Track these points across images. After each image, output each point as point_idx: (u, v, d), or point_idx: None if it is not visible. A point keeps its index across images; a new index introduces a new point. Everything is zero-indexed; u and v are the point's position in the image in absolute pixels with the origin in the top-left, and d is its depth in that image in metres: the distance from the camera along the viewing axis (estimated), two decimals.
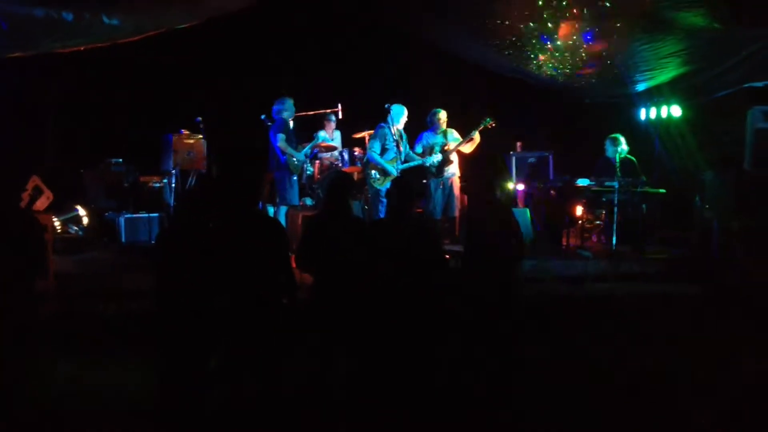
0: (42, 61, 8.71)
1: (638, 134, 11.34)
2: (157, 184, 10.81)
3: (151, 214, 10.16)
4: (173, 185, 10.20)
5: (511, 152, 11.68)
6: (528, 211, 9.82)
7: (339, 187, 5.38)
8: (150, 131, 10.68)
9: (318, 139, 10.04)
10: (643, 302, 8.18)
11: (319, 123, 10.58)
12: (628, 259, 9.50)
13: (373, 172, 9.46)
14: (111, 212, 10.36)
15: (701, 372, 5.87)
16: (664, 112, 11.33)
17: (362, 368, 5.07)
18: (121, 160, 10.87)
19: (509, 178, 11.16)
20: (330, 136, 10.63)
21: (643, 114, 11.79)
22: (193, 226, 4.86)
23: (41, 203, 9.25)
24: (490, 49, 10.35)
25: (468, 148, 9.74)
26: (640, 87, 11.16)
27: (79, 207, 10.04)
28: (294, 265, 5.16)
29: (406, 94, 9.96)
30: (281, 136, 9.29)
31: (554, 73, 10.64)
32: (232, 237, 4.76)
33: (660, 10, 8.30)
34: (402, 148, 9.40)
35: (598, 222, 10.83)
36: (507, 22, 9.19)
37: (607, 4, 8.43)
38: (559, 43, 9.58)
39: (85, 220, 10.03)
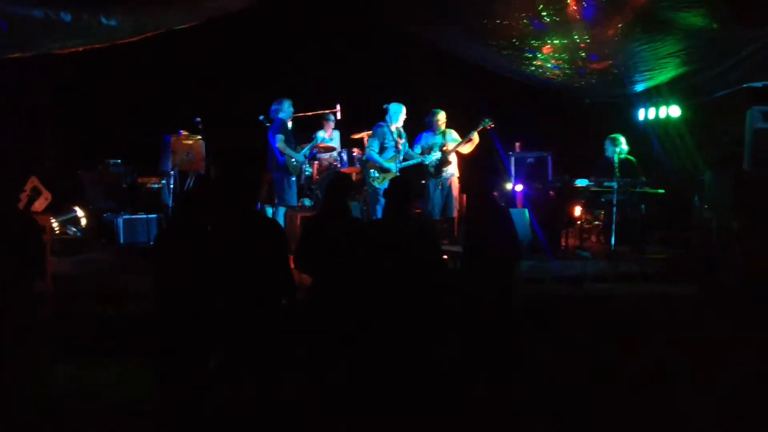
0: (41, 61, 8.69)
1: (637, 134, 11.33)
2: (156, 185, 10.81)
3: (150, 215, 10.16)
4: (172, 186, 10.20)
5: (510, 153, 11.67)
6: (527, 211, 9.81)
7: (338, 187, 5.38)
8: (148, 132, 10.68)
9: (317, 140, 10.04)
10: (642, 302, 8.18)
11: (318, 123, 10.57)
12: (627, 260, 9.51)
13: (372, 171, 9.46)
14: (109, 213, 10.35)
15: (701, 372, 5.88)
16: (663, 112, 11.32)
17: (362, 368, 5.06)
18: (119, 161, 10.87)
19: (508, 179, 11.26)
20: (329, 136, 10.62)
21: (642, 114, 11.78)
22: (191, 227, 4.85)
23: (39, 204, 9.24)
24: (488, 50, 10.34)
25: (467, 149, 9.75)
26: (639, 87, 11.15)
27: (77, 208, 10.03)
28: (292, 265, 5.15)
29: (405, 94, 9.95)
30: (280, 137, 9.29)
31: (552, 73, 10.65)
32: (231, 238, 4.76)
33: (659, 11, 8.29)
34: (401, 147, 9.40)
35: (597, 222, 10.82)
36: (506, 22, 9.18)
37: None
38: (557, 42, 9.57)
39: (84, 221, 10.02)
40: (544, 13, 8.80)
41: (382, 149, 9.41)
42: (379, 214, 8.99)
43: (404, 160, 9.47)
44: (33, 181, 9.25)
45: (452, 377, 5.26)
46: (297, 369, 5.12)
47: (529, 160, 11.60)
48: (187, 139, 10.43)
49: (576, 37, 9.36)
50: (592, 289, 8.64)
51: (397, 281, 5.03)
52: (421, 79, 11.42)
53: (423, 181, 9.96)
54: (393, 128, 9.34)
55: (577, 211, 10.44)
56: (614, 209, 9.49)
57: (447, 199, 9.78)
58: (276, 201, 9.60)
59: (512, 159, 11.62)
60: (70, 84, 10.65)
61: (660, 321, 7.42)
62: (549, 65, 10.38)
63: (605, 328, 7.04)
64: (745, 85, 10.37)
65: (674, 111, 11.20)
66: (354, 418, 4.82)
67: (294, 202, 9.65)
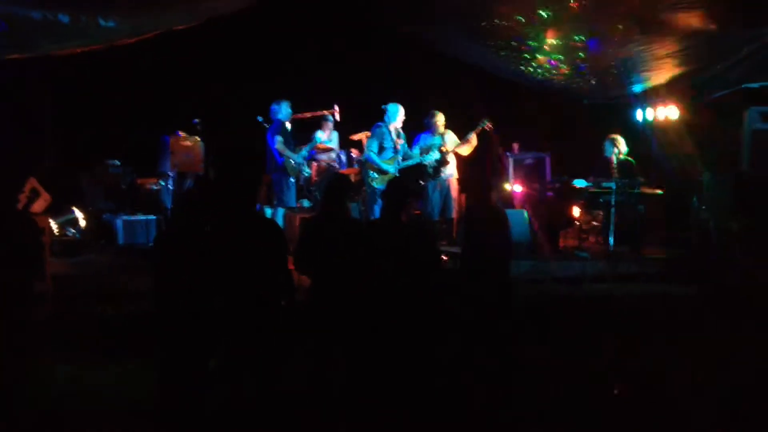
0: (40, 62, 8.69)
1: (636, 135, 11.34)
2: (155, 186, 10.80)
3: (149, 216, 10.16)
4: (171, 187, 10.20)
5: (508, 153, 11.68)
6: (525, 212, 9.81)
7: (336, 189, 5.38)
8: (147, 133, 10.68)
9: (316, 141, 10.03)
10: (641, 303, 8.19)
11: (317, 124, 10.57)
12: (626, 260, 9.51)
13: (370, 171, 9.47)
14: (108, 214, 10.35)
15: (700, 372, 5.88)
16: (661, 113, 11.33)
17: (361, 368, 5.06)
18: (118, 161, 10.87)
19: (506, 180, 11.27)
20: (327, 137, 10.62)
21: (640, 115, 11.79)
22: (190, 228, 4.85)
23: (38, 205, 9.22)
24: (487, 50, 10.35)
25: (465, 150, 9.76)
26: (638, 88, 11.17)
27: (76, 209, 10.02)
28: (291, 266, 5.15)
29: (403, 95, 9.95)
30: (278, 139, 9.29)
31: (551, 73, 10.66)
32: (230, 239, 4.75)
33: (657, 11, 8.31)
34: (400, 147, 9.40)
35: (595, 223, 10.83)
36: (504, 23, 9.19)
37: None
38: (555, 42, 9.57)
39: (83, 223, 10.01)
40: (542, 13, 8.80)
41: (381, 150, 9.41)
42: (378, 215, 8.99)
43: (403, 160, 9.47)
44: (32, 183, 9.24)
45: (451, 377, 5.26)
46: (297, 369, 5.12)
47: (528, 160, 11.60)
48: (186, 140, 10.42)
49: (575, 36, 9.37)
50: (592, 289, 8.65)
51: (395, 282, 5.03)
52: (420, 80, 11.44)
53: (422, 182, 9.96)
54: (392, 129, 9.34)
55: (576, 211, 10.44)
56: (612, 210, 9.50)
57: (446, 199, 9.79)
58: (275, 202, 9.61)
59: (510, 160, 11.62)
60: (69, 85, 10.63)
61: (659, 321, 7.42)
62: (547, 66, 10.38)
63: (605, 328, 7.04)
64: (743, 86, 10.39)
65: (672, 112, 11.20)
66: (354, 418, 4.82)
67: (293, 203, 9.66)
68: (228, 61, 11.48)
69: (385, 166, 9.31)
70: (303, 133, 10.15)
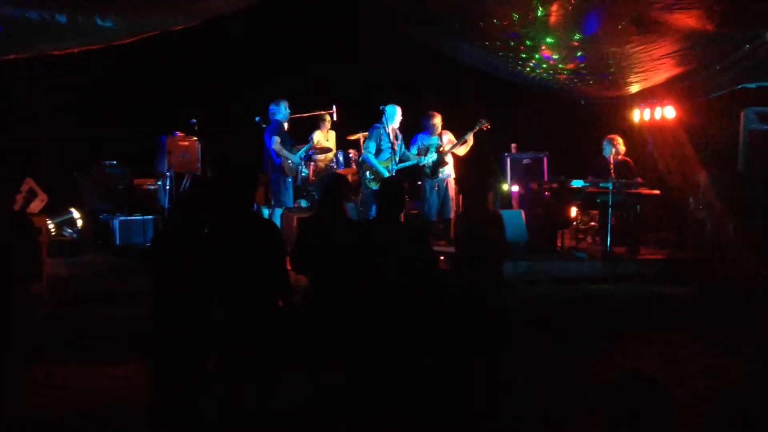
0: (37, 62, 8.68)
1: (632, 135, 11.35)
2: (152, 186, 10.79)
3: (146, 217, 10.14)
4: (168, 187, 10.19)
5: (506, 153, 11.69)
6: (521, 212, 9.82)
7: (333, 189, 5.37)
8: (144, 133, 10.67)
9: (311, 142, 10.01)
10: (638, 303, 8.21)
11: (315, 124, 10.57)
12: (623, 260, 9.52)
13: (367, 172, 9.47)
14: (105, 215, 10.34)
15: (696, 371, 5.89)
16: (658, 113, 11.35)
17: (361, 369, 5.06)
18: (115, 162, 10.86)
19: (504, 181, 11.28)
20: (325, 137, 10.62)
21: (637, 115, 11.81)
22: (188, 228, 4.85)
23: (35, 206, 9.24)
24: (484, 51, 10.36)
25: (462, 151, 9.76)
26: (635, 88, 11.17)
27: (73, 209, 10.01)
28: (289, 267, 5.15)
29: (401, 95, 9.95)
30: (276, 139, 9.29)
31: (548, 75, 10.67)
32: (228, 239, 4.75)
33: (654, 12, 8.32)
34: (398, 149, 9.41)
35: (592, 223, 10.84)
36: (502, 23, 9.20)
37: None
38: (550, 39, 9.58)
39: (80, 223, 10.00)
40: (540, 11, 8.81)
41: (379, 151, 9.41)
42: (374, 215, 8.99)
43: (400, 161, 9.47)
44: (29, 183, 9.25)
45: (449, 377, 5.27)
46: (296, 369, 5.12)
47: (525, 160, 11.62)
48: (183, 140, 10.43)
49: (572, 36, 9.38)
50: (589, 289, 8.67)
51: (392, 282, 5.03)
52: (418, 81, 11.45)
53: (419, 182, 9.97)
54: (389, 130, 9.33)
55: (573, 212, 10.45)
56: (609, 210, 9.51)
57: (444, 200, 9.78)
58: (272, 202, 9.62)
59: (508, 160, 11.63)
60: (66, 85, 10.62)
61: (656, 321, 7.44)
62: (545, 65, 10.39)
63: (602, 328, 7.06)
64: (739, 86, 10.41)
65: (670, 112, 11.22)
66: (354, 419, 4.82)
67: (290, 203, 9.66)
68: (225, 62, 11.47)
69: (381, 170, 9.31)
70: (300, 133, 10.15)
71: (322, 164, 10.34)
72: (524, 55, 10.17)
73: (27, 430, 4.82)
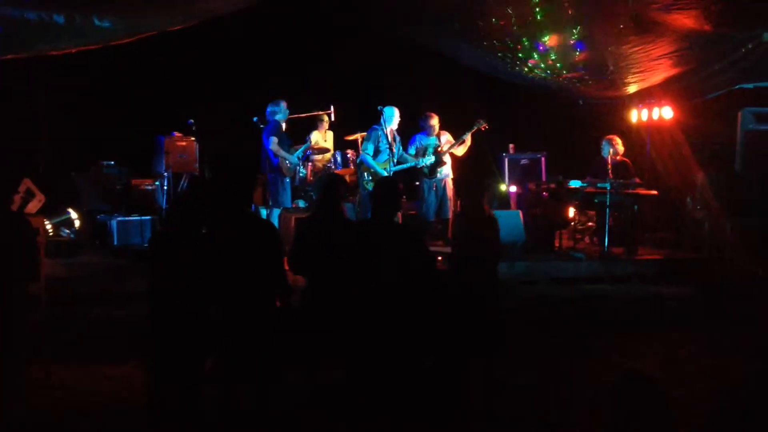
0: (34, 62, 8.68)
1: (630, 135, 11.36)
2: (150, 187, 10.78)
3: (144, 217, 10.12)
4: (165, 188, 10.17)
5: (504, 153, 11.70)
6: (519, 213, 9.82)
7: (331, 189, 5.36)
8: (142, 133, 10.66)
9: (309, 142, 10.00)
10: (636, 303, 8.22)
11: (312, 125, 10.57)
12: (620, 261, 9.53)
13: (366, 173, 9.47)
14: (103, 215, 10.32)
15: (694, 371, 5.89)
16: (656, 113, 11.36)
17: (360, 369, 5.06)
18: (113, 162, 10.84)
19: (502, 181, 11.28)
20: (323, 138, 10.62)
21: (635, 115, 11.82)
22: (186, 228, 4.84)
23: (33, 206, 9.22)
24: (483, 51, 10.36)
25: (460, 151, 9.77)
26: (632, 88, 11.18)
27: (71, 210, 9.98)
28: (286, 267, 5.15)
29: (399, 96, 9.96)
30: (273, 139, 9.29)
31: (546, 75, 10.67)
32: (226, 239, 4.75)
33: (651, 12, 8.33)
34: (395, 150, 9.40)
35: (590, 224, 10.85)
36: (500, 22, 9.20)
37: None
38: (548, 39, 9.58)
39: (77, 223, 9.97)
40: (538, 10, 8.82)
41: (377, 152, 9.41)
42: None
43: (398, 163, 9.47)
44: (26, 183, 9.23)
45: (447, 377, 5.27)
46: (295, 370, 5.12)
47: (523, 161, 11.62)
48: (181, 140, 10.41)
49: (570, 36, 9.39)
50: (587, 290, 8.67)
51: (386, 282, 5.02)
52: (416, 81, 11.45)
53: (417, 183, 9.97)
54: (387, 131, 9.33)
55: (571, 212, 10.45)
56: (607, 210, 9.51)
57: (441, 200, 9.78)
58: (270, 202, 9.61)
59: (506, 160, 11.63)
60: (63, 85, 10.62)
61: (654, 322, 7.45)
62: (543, 65, 10.39)
63: (600, 328, 7.07)
64: (737, 87, 10.42)
65: (667, 112, 11.23)
66: (354, 419, 4.82)
67: (288, 203, 9.66)
68: (223, 62, 11.47)
69: (380, 169, 9.30)
70: (298, 134, 10.15)
71: (319, 164, 10.34)
72: (521, 55, 10.17)
73: (27, 430, 4.81)
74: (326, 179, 5.72)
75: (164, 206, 10.05)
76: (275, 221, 9.28)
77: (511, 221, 9.31)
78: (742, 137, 9.48)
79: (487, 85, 11.86)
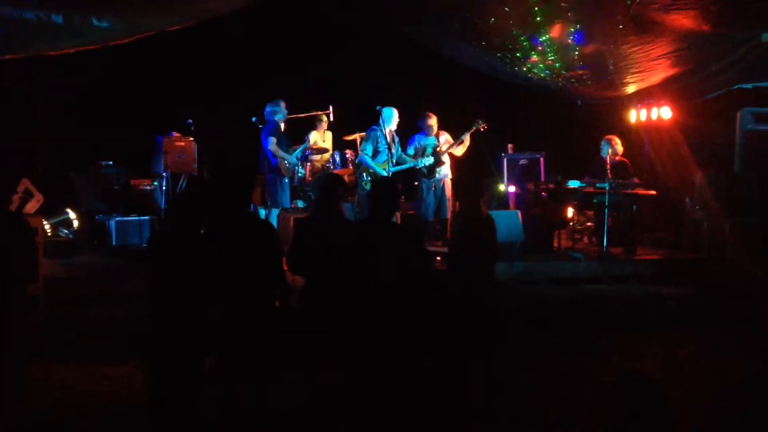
0: (33, 63, 8.67)
1: (629, 136, 11.36)
2: (148, 187, 10.77)
3: (142, 217, 10.11)
4: (164, 188, 10.17)
5: (503, 154, 11.69)
6: (518, 213, 9.82)
7: (330, 189, 5.36)
8: (141, 133, 10.65)
9: (307, 142, 9.99)
10: (635, 303, 8.22)
11: (311, 125, 10.56)
12: (619, 261, 9.53)
13: (364, 174, 9.46)
14: (101, 215, 10.31)
15: (695, 371, 5.89)
16: (654, 113, 11.36)
17: (360, 369, 5.05)
18: (111, 162, 10.83)
19: (500, 181, 11.28)
20: (321, 138, 10.61)
21: (633, 116, 11.82)
22: (184, 229, 4.84)
23: (31, 206, 9.21)
24: (481, 51, 10.36)
25: (459, 151, 9.77)
26: (631, 89, 11.19)
27: (69, 210, 9.98)
28: (285, 267, 5.14)
29: (397, 96, 9.96)
30: (272, 140, 9.28)
31: (545, 74, 10.67)
32: (225, 239, 4.74)
33: (650, 13, 8.33)
34: (394, 151, 9.40)
35: (589, 224, 10.85)
36: (498, 22, 9.20)
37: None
38: (547, 39, 9.58)
39: (76, 223, 9.97)
40: (537, 10, 8.83)
41: (376, 153, 9.40)
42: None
43: (397, 164, 9.47)
44: (25, 183, 9.22)
45: (447, 377, 5.27)
46: (294, 370, 5.12)
47: (522, 161, 11.62)
48: (179, 140, 10.40)
49: (568, 36, 9.39)
50: (586, 290, 8.67)
51: (384, 282, 5.02)
52: (415, 81, 11.45)
53: (416, 183, 9.97)
54: (386, 132, 9.32)
55: (570, 212, 10.44)
56: (606, 210, 9.52)
57: (440, 200, 9.78)
58: (269, 203, 9.60)
59: (505, 160, 11.63)
60: (62, 85, 10.61)
61: (654, 321, 7.45)
62: (541, 65, 10.39)
63: (599, 328, 7.07)
64: (735, 87, 10.43)
65: (666, 112, 11.23)
66: (353, 419, 4.81)
67: (287, 203, 9.65)
68: (222, 62, 11.46)
69: (379, 170, 9.30)
70: (297, 134, 10.14)
71: (318, 165, 10.33)
72: (519, 54, 10.17)
73: (27, 430, 4.81)
74: (325, 179, 5.71)
75: (163, 206, 10.04)
76: (274, 221, 9.27)
77: (509, 221, 9.31)
78: (740, 137, 9.49)
79: (487, 86, 11.86)
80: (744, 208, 9.51)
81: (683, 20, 8.25)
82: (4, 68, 8.34)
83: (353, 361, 5.03)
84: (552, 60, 10.15)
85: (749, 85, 10.31)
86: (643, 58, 9.60)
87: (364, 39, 11.30)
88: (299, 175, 9.95)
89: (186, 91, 10.89)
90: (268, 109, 9.43)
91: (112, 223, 9.88)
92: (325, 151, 10.36)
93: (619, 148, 9.98)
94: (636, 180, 9.96)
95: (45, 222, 9.05)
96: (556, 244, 10.10)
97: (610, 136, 10.08)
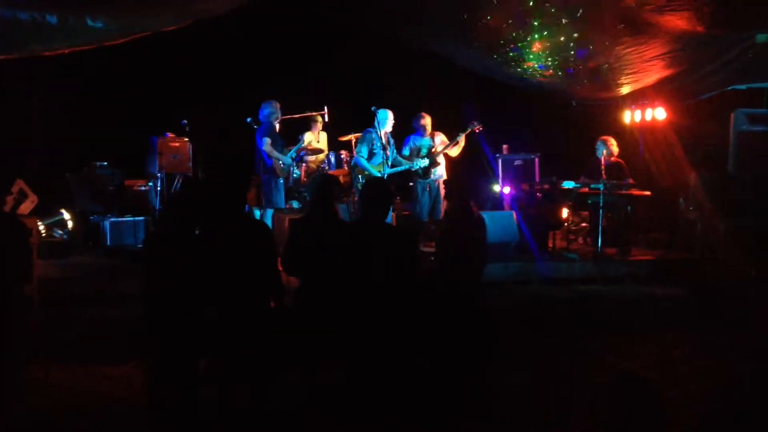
0: (27, 63, 8.65)
1: (624, 136, 11.38)
2: (143, 188, 10.76)
3: (137, 218, 10.11)
4: (159, 188, 10.16)
5: (498, 155, 11.70)
6: (513, 213, 9.82)
7: (325, 190, 5.36)
8: (135, 134, 10.64)
9: (301, 143, 9.98)
10: (629, 303, 8.23)
11: (306, 126, 10.56)
12: (613, 261, 9.55)
13: (359, 176, 9.46)
14: (96, 216, 10.30)
15: (690, 372, 5.91)
16: (649, 114, 11.38)
17: (359, 369, 5.05)
18: (106, 163, 10.81)
19: (494, 182, 11.28)
20: (316, 139, 10.61)
21: (628, 116, 11.84)
22: (179, 229, 4.83)
23: (26, 207, 9.19)
24: (477, 52, 10.36)
25: (454, 152, 9.77)
26: (625, 90, 11.21)
27: (64, 211, 9.96)
28: (280, 268, 5.14)
29: (393, 96, 9.96)
30: (266, 140, 9.28)
31: (540, 73, 10.68)
32: (219, 240, 4.74)
33: (645, 14, 8.34)
34: (389, 153, 9.40)
35: (584, 224, 10.86)
36: (495, 24, 9.20)
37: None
38: (544, 41, 9.59)
39: (70, 224, 9.95)
40: (534, 12, 8.83)
41: (371, 155, 9.40)
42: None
43: (393, 166, 9.45)
44: (19, 184, 9.20)
45: (443, 378, 5.27)
46: (293, 370, 5.12)
47: (517, 161, 11.61)
48: (174, 141, 10.39)
49: (563, 38, 9.40)
50: (581, 290, 8.69)
51: (378, 283, 5.02)
52: (410, 81, 11.45)
53: (411, 183, 9.97)
54: (381, 134, 9.32)
55: (564, 213, 10.46)
56: (600, 211, 9.53)
57: (435, 201, 9.78)
58: (264, 203, 9.60)
59: (500, 161, 11.64)
60: (56, 86, 10.58)
61: (648, 322, 7.47)
62: (536, 66, 10.40)
63: (593, 329, 7.07)
64: (729, 88, 10.45)
65: (660, 113, 11.25)
66: (353, 419, 4.82)
67: (282, 204, 9.65)
68: (217, 62, 11.45)
69: (374, 171, 9.30)
70: (292, 135, 10.14)
71: (313, 165, 10.33)
72: (512, 54, 10.17)
73: (27, 430, 4.81)
74: (320, 180, 5.70)
75: (157, 207, 10.04)
76: (269, 222, 9.27)
77: (505, 222, 9.32)
78: (734, 138, 9.52)
79: (482, 86, 11.87)
80: (738, 208, 9.53)
81: (677, 21, 8.26)
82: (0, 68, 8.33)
83: (350, 362, 5.04)
84: (548, 61, 10.16)
85: (743, 86, 10.34)
86: (638, 59, 9.62)
87: (360, 40, 11.29)
88: (294, 175, 9.94)
89: (181, 91, 10.88)
90: (262, 109, 9.42)
91: (107, 223, 9.88)
92: (320, 151, 10.36)
93: (615, 149, 10.00)
94: (631, 181, 9.97)
95: (39, 223, 9.01)
96: (550, 245, 10.12)
97: (605, 137, 10.09)
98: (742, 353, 6.20)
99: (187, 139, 10.38)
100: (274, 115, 9.42)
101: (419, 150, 9.71)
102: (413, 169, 9.68)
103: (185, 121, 9.96)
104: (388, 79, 11.33)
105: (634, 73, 10.24)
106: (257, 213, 9.65)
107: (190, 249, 4.71)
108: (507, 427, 4.96)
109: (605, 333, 6.97)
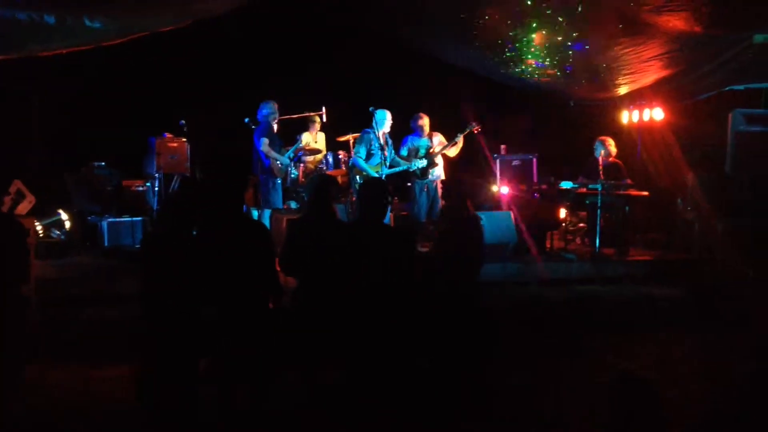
0: (25, 63, 8.63)
1: (621, 137, 11.39)
2: (141, 188, 10.74)
3: (135, 218, 10.09)
4: (157, 189, 10.15)
5: (495, 155, 11.69)
6: (511, 214, 9.82)
7: (323, 190, 5.36)
8: (133, 134, 10.63)
9: (299, 143, 9.98)
10: (627, 304, 8.24)
11: (304, 126, 10.56)
12: (611, 262, 9.55)
13: (357, 176, 9.46)
14: (94, 216, 10.28)
15: (689, 372, 5.91)
16: (646, 114, 11.39)
17: (358, 369, 5.05)
18: (104, 163, 10.79)
19: (492, 182, 11.27)
20: (314, 139, 10.60)
21: (626, 117, 11.85)
22: (177, 229, 4.83)
23: (23, 207, 9.16)
24: (475, 52, 10.36)
25: (453, 152, 9.76)
26: (623, 90, 11.21)
27: (61, 211, 9.94)
28: (278, 268, 5.14)
29: (391, 97, 9.96)
30: (264, 140, 9.27)
31: (538, 73, 10.68)
32: (217, 240, 4.74)
33: (642, 14, 8.35)
34: (387, 153, 9.39)
35: (581, 225, 10.86)
36: (493, 24, 9.20)
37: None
38: (542, 40, 9.60)
39: (68, 224, 9.93)
40: (532, 13, 8.83)
41: (369, 156, 9.39)
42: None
43: (391, 166, 9.44)
44: (17, 184, 9.17)
45: (442, 377, 5.27)
46: (292, 370, 5.12)
47: (515, 162, 11.59)
48: (172, 141, 10.39)
49: (562, 37, 9.40)
50: (579, 290, 8.69)
51: (376, 283, 5.02)
52: (408, 82, 11.44)
53: (409, 184, 9.96)
54: (379, 134, 9.31)
55: (562, 213, 10.46)
56: (598, 211, 9.53)
57: (433, 201, 9.77)
58: (261, 203, 9.59)
59: (497, 161, 11.63)
60: (54, 86, 10.57)
61: (647, 322, 7.47)
62: (535, 65, 10.41)
63: (591, 329, 7.08)
64: (727, 88, 10.46)
65: (658, 114, 11.26)
66: (353, 419, 4.82)
67: (280, 204, 9.64)
68: (215, 63, 11.44)
69: (372, 172, 9.29)
70: (290, 135, 10.14)
71: (311, 165, 10.33)
72: (509, 53, 10.17)
73: (26, 430, 4.81)
74: (318, 180, 5.70)
75: (155, 207, 10.02)
76: (266, 222, 9.26)
77: (502, 222, 9.31)
78: (732, 138, 9.53)
79: (480, 87, 11.87)
80: (735, 208, 9.54)
81: (675, 22, 8.26)
82: None
83: (349, 362, 5.04)
84: (546, 61, 10.16)
85: (741, 87, 10.35)
86: (635, 59, 9.62)
87: (359, 40, 11.29)
88: (292, 176, 9.93)
89: (178, 91, 10.87)
90: (261, 109, 9.42)
91: (105, 224, 9.86)
92: (318, 152, 10.36)
93: (613, 150, 10.00)
94: (629, 181, 9.97)
95: (37, 223, 9.00)
96: (548, 245, 10.11)
97: (603, 137, 10.09)
98: (741, 353, 6.21)
99: (185, 140, 10.38)
100: (272, 115, 9.42)
101: (417, 150, 9.70)
102: (411, 170, 9.67)
103: (183, 122, 9.95)
104: (386, 80, 11.33)
105: (631, 73, 10.25)
106: (255, 213, 9.64)
107: (187, 249, 4.71)
108: (507, 427, 4.96)
109: (605, 333, 6.98)
